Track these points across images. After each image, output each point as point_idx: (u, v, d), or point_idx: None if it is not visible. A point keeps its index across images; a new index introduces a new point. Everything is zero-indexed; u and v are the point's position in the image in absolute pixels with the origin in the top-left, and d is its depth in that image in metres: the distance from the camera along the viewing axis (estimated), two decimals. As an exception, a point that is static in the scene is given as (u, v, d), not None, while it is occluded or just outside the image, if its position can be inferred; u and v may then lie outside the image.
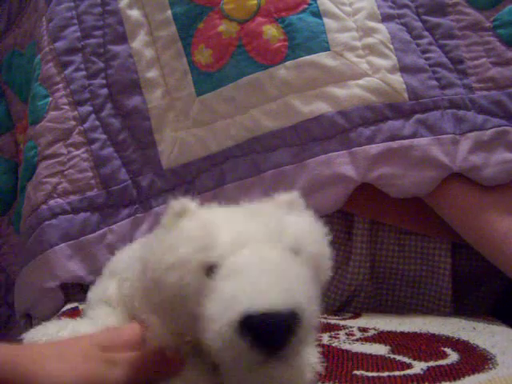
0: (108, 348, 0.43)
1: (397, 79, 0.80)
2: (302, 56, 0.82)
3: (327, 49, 0.82)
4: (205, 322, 0.37)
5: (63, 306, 0.81)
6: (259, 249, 0.39)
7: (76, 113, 0.89)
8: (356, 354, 0.56)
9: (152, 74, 0.88)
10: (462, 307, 0.84)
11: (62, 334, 0.51)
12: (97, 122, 0.88)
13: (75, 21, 0.91)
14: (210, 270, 0.39)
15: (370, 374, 0.50)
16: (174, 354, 0.44)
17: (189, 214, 0.42)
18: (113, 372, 0.41)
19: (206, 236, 0.40)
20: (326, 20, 0.83)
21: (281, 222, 0.41)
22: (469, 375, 0.50)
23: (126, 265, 0.50)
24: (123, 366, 0.42)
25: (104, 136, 0.88)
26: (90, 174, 0.87)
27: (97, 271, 0.82)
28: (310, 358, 0.46)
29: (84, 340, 0.44)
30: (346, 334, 0.65)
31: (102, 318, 0.54)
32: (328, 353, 0.56)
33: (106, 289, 0.54)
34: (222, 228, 0.41)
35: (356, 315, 0.78)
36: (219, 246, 0.39)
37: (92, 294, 0.56)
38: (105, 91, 0.89)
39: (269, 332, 0.35)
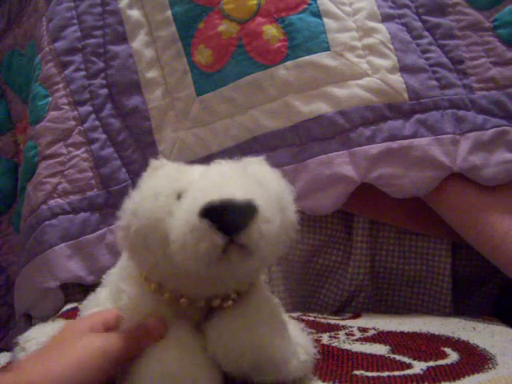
0: (94, 328, 0.46)
1: (397, 79, 0.80)
2: (302, 56, 0.82)
3: (327, 49, 0.82)
4: (171, 229, 0.41)
5: (63, 306, 0.81)
6: (224, 172, 0.44)
7: (76, 113, 0.89)
8: (356, 353, 0.56)
9: (152, 73, 0.88)
10: (461, 307, 0.84)
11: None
12: (97, 122, 0.88)
13: (75, 21, 0.91)
14: (179, 196, 0.43)
15: (369, 373, 0.50)
16: (156, 320, 0.46)
17: (165, 166, 0.48)
18: (110, 341, 0.43)
19: (179, 171, 0.46)
20: (325, 20, 0.83)
21: (245, 167, 0.46)
22: (469, 375, 0.50)
23: (119, 276, 0.52)
24: (116, 336, 0.44)
25: (104, 136, 0.88)
26: (90, 173, 0.87)
27: (97, 271, 0.82)
28: (300, 340, 0.48)
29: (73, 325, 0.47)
30: (346, 334, 0.65)
31: None
32: (328, 353, 0.56)
33: (100, 295, 0.55)
34: (194, 168, 0.47)
35: (356, 315, 0.78)
36: (189, 177, 0.45)
37: (86, 301, 0.57)
38: (105, 91, 0.89)
39: (227, 214, 0.39)
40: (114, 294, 0.52)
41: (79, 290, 0.83)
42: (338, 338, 0.63)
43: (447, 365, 0.53)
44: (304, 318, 0.74)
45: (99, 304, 0.53)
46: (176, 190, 0.44)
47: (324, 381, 0.48)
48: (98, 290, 0.56)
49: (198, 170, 0.46)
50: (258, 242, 0.40)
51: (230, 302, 0.46)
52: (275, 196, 0.45)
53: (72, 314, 0.72)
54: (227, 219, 0.39)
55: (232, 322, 0.45)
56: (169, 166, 0.47)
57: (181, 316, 0.47)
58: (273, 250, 0.43)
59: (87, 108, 0.89)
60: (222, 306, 0.46)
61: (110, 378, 0.44)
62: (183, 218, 0.41)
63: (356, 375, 0.49)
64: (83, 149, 0.88)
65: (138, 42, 0.89)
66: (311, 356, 0.48)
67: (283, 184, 0.47)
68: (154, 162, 0.48)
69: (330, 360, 0.53)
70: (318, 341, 0.60)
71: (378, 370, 0.51)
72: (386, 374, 0.50)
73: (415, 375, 0.49)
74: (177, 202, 0.43)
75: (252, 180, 0.43)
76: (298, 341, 0.47)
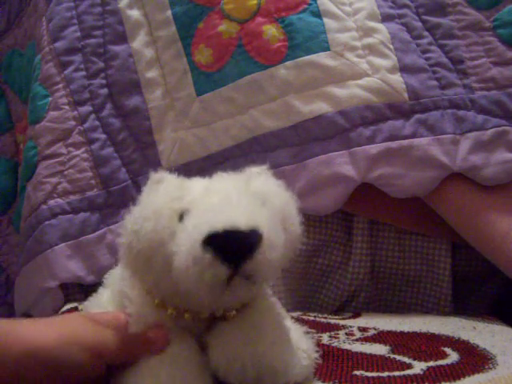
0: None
1: (397, 79, 0.80)
2: (301, 56, 0.82)
3: (327, 49, 0.82)
4: (174, 256, 0.41)
5: (63, 306, 0.81)
6: (227, 193, 0.43)
7: (76, 113, 0.89)
8: (356, 353, 0.56)
9: (152, 73, 0.88)
10: (462, 307, 0.84)
11: None
12: (97, 122, 0.88)
13: (75, 21, 0.91)
14: (181, 216, 0.43)
15: (369, 374, 0.50)
16: (158, 331, 0.45)
17: (166, 181, 0.47)
18: (105, 335, 0.43)
19: (180, 189, 0.45)
20: (325, 20, 0.83)
21: (249, 180, 0.46)
22: (469, 375, 0.49)
23: (121, 276, 0.51)
24: (114, 336, 0.44)
25: (104, 136, 0.88)
26: (90, 173, 0.87)
27: (97, 271, 0.82)
28: (302, 344, 0.48)
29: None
30: (346, 333, 0.65)
31: None
32: (328, 352, 0.56)
33: (101, 296, 0.55)
34: (196, 184, 0.46)
35: (356, 315, 0.78)
36: (191, 195, 0.44)
37: (88, 302, 0.57)
38: (105, 91, 0.89)
39: (230, 244, 0.38)
40: (115, 296, 0.52)
41: (79, 289, 0.83)
42: (338, 337, 0.63)
43: (447, 365, 0.52)
44: (304, 317, 0.74)
45: (101, 306, 0.53)
46: (177, 210, 0.43)
47: (324, 381, 0.48)
48: (100, 290, 0.56)
49: (199, 185, 0.46)
50: (263, 269, 0.40)
51: (234, 312, 0.46)
52: (280, 212, 0.44)
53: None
54: (231, 249, 0.38)
55: (234, 334, 0.44)
56: (169, 181, 0.46)
57: (184, 329, 0.46)
58: (277, 269, 0.43)
59: (87, 108, 0.89)
60: (224, 316, 0.46)
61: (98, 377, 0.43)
62: (186, 245, 0.40)
63: (356, 375, 0.49)
64: (83, 149, 0.87)
65: (138, 42, 0.89)
66: (313, 361, 0.48)
67: (287, 197, 0.47)
68: (154, 176, 0.47)
69: (330, 360, 0.53)
70: (318, 340, 0.60)
71: (377, 370, 0.50)
72: (385, 374, 0.50)
73: (415, 375, 0.49)
74: (179, 223, 0.42)
75: (256, 200, 0.43)
76: (301, 346, 0.47)
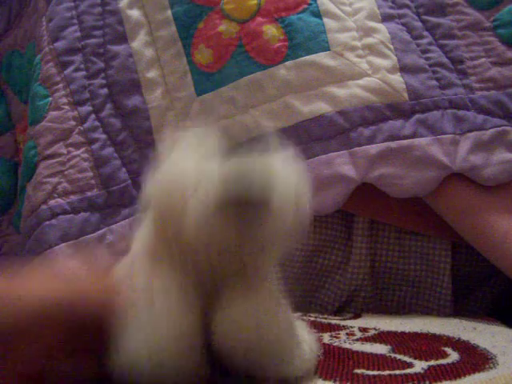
0: None
1: (397, 79, 0.80)
2: (301, 56, 0.82)
3: (327, 49, 0.82)
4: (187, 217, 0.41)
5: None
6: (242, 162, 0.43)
7: (76, 113, 0.89)
8: (357, 353, 0.56)
9: (152, 73, 0.88)
10: (461, 307, 0.84)
11: None
12: (97, 122, 0.88)
13: (75, 21, 0.91)
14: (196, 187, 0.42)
15: (370, 372, 0.50)
16: None
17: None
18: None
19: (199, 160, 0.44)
20: (325, 20, 0.83)
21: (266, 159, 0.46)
22: (469, 374, 0.49)
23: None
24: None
25: (104, 136, 0.88)
26: (90, 173, 0.86)
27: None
28: (305, 337, 0.48)
29: None
30: (347, 333, 0.65)
31: None
32: (329, 352, 0.56)
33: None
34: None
35: (356, 315, 0.78)
36: (208, 165, 0.44)
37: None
38: (105, 91, 0.89)
39: (242, 207, 0.40)
40: None
41: (79, 289, 0.83)
42: (339, 337, 0.63)
43: (448, 364, 0.53)
44: (305, 318, 0.74)
45: None
46: (193, 182, 0.43)
47: (325, 379, 0.48)
48: None
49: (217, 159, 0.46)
50: (269, 229, 0.40)
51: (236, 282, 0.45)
52: (292, 189, 0.44)
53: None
54: (243, 209, 0.39)
55: (241, 315, 0.43)
56: (190, 142, 0.47)
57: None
58: (283, 238, 0.43)
59: (87, 108, 0.89)
60: (226, 284, 0.45)
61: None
62: (200, 207, 0.40)
63: (357, 374, 0.49)
64: (83, 149, 0.87)
65: (138, 42, 0.89)
66: (315, 354, 0.48)
67: (300, 177, 0.47)
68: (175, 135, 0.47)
69: (331, 359, 0.53)
70: (319, 340, 0.60)
71: (378, 369, 0.51)
72: (386, 372, 0.50)
73: (416, 374, 0.49)
74: (194, 192, 0.42)
75: (269, 172, 0.43)
76: (303, 338, 0.47)
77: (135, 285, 0.44)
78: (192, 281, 0.44)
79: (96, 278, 0.45)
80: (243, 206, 0.39)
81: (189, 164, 0.44)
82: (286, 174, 0.45)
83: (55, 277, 0.44)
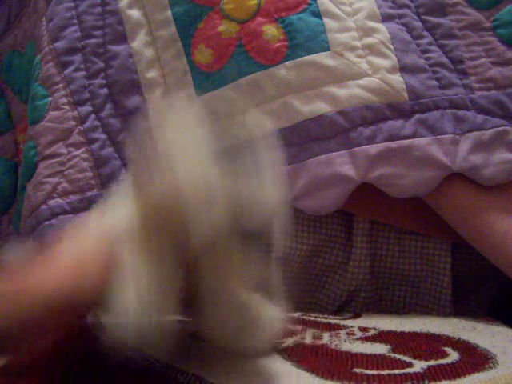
0: None
1: (397, 79, 0.80)
2: (301, 56, 0.82)
3: (327, 49, 0.82)
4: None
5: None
6: None
7: (76, 113, 0.89)
8: (356, 352, 0.56)
9: (152, 74, 0.88)
10: (461, 307, 0.84)
11: None
12: (97, 122, 0.88)
13: (75, 21, 0.91)
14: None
15: (369, 372, 0.50)
16: None
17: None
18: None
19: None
20: (325, 20, 0.83)
21: None
22: (469, 374, 0.50)
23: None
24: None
25: (104, 136, 0.88)
26: (90, 173, 0.87)
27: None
28: (266, 313, 0.53)
29: None
30: (347, 333, 0.65)
31: None
32: (327, 351, 0.56)
33: None
34: None
35: (356, 315, 0.78)
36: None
37: None
38: (105, 91, 0.89)
39: None
40: None
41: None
42: (339, 337, 0.63)
43: (448, 364, 0.52)
44: (305, 318, 0.74)
45: None
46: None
47: (322, 378, 0.48)
48: None
49: None
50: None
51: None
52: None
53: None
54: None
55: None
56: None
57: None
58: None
59: (87, 108, 0.89)
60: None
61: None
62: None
63: (356, 373, 0.49)
64: (83, 149, 0.88)
65: (138, 42, 0.89)
66: (276, 330, 0.53)
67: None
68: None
69: (329, 358, 0.53)
70: (318, 338, 0.60)
71: (378, 369, 0.51)
72: (386, 372, 0.50)
73: (415, 373, 0.49)
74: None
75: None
76: (264, 315, 0.52)
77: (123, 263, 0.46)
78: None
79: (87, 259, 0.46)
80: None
81: (195, 167, 0.45)
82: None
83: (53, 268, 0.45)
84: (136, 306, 0.44)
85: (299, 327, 0.66)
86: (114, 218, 0.52)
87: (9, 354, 0.43)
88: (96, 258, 0.46)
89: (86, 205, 0.85)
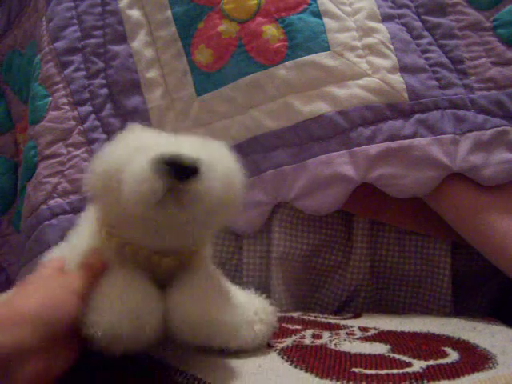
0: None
1: (397, 79, 0.80)
2: (301, 56, 0.82)
3: (327, 49, 0.82)
4: (126, 174, 0.46)
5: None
6: (183, 138, 0.51)
7: (76, 113, 0.89)
8: (355, 352, 0.56)
9: (152, 73, 0.88)
10: (461, 307, 0.84)
11: None
12: (97, 122, 0.88)
13: (75, 21, 0.91)
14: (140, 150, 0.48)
15: (368, 371, 0.50)
16: (92, 256, 0.51)
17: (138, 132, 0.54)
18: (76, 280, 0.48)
19: (148, 136, 0.52)
20: (325, 20, 0.83)
21: (205, 143, 0.51)
22: (469, 374, 0.49)
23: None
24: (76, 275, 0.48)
25: (104, 136, 0.88)
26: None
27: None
28: (257, 309, 0.55)
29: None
30: (347, 333, 0.65)
31: None
32: (326, 350, 0.56)
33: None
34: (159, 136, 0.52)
35: (356, 315, 0.78)
36: (154, 138, 0.51)
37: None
38: (105, 91, 0.89)
39: (173, 166, 0.44)
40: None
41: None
42: (339, 336, 0.63)
43: (447, 364, 0.52)
44: (304, 317, 0.73)
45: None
46: (138, 146, 0.48)
47: (322, 377, 0.48)
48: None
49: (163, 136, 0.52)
50: (197, 194, 0.45)
51: (168, 260, 0.51)
52: (223, 170, 0.49)
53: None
54: (173, 169, 0.44)
55: (185, 296, 0.49)
56: (142, 131, 0.54)
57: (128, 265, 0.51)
58: (209, 214, 0.48)
59: (87, 108, 0.89)
60: (161, 265, 0.51)
61: None
62: (136, 165, 0.46)
63: (354, 372, 0.49)
64: (83, 149, 0.88)
65: (138, 42, 0.89)
66: (268, 325, 0.54)
67: (234, 163, 0.52)
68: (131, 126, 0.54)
69: (328, 357, 0.53)
70: (318, 337, 0.60)
71: (376, 368, 0.50)
72: (384, 371, 0.49)
73: (414, 373, 0.49)
74: (135, 155, 0.47)
75: (206, 150, 0.48)
76: (254, 311, 0.54)
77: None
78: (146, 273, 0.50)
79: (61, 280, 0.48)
80: (176, 163, 0.44)
81: (120, 150, 0.49)
82: (217, 154, 0.50)
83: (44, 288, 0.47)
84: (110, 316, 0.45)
85: (299, 327, 0.66)
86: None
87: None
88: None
89: (86, 205, 0.85)
